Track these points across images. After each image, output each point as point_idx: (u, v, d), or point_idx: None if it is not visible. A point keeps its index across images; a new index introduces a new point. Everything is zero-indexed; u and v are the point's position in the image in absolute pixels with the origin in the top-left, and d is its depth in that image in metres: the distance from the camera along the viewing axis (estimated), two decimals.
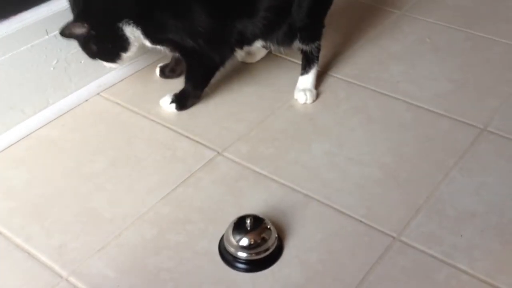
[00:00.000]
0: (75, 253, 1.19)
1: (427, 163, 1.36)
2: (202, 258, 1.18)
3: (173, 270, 1.15)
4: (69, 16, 1.36)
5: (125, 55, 1.43)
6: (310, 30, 1.50)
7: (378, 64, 1.68)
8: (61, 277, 1.15)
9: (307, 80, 1.57)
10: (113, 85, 1.63)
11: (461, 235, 1.19)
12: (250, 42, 1.48)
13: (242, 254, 1.15)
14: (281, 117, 1.51)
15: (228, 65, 1.54)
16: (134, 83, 1.65)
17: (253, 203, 1.28)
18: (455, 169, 1.34)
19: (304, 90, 1.55)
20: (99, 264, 1.17)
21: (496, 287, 1.10)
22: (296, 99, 1.55)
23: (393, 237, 1.20)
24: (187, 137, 1.46)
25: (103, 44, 1.40)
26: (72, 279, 1.15)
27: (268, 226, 1.17)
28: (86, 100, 1.59)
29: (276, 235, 1.18)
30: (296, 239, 1.20)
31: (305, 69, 1.57)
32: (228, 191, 1.31)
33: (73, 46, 1.52)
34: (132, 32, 1.39)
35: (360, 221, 1.23)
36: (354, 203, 1.27)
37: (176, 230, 1.23)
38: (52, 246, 1.21)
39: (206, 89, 1.55)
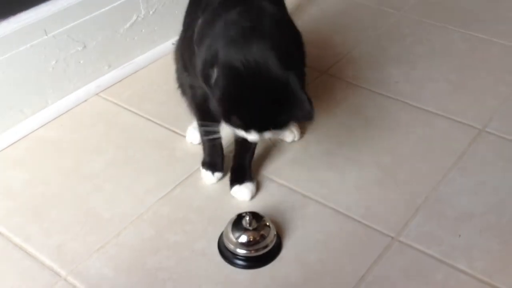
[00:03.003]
0: (74, 252, 1.19)
1: (425, 164, 1.36)
2: (201, 257, 1.18)
3: (171, 269, 1.15)
4: (67, 16, 1.36)
5: None
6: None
7: (377, 65, 1.68)
8: (60, 276, 1.15)
9: None
10: (112, 85, 1.63)
11: (459, 235, 1.20)
12: None
13: (241, 251, 1.15)
14: None
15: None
16: (133, 84, 1.65)
17: (251, 203, 1.28)
18: (454, 169, 1.34)
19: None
20: (98, 263, 1.17)
21: (494, 287, 1.10)
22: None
23: (392, 237, 1.20)
24: (185, 137, 1.46)
25: None
26: (70, 279, 1.15)
27: (267, 224, 1.18)
28: (85, 101, 1.59)
29: (275, 233, 1.18)
30: (295, 239, 1.20)
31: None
32: (227, 191, 1.31)
33: (72, 46, 1.52)
34: None
35: (359, 221, 1.23)
36: (353, 203, 1.27)
37: (174, 230, 1.23)
38: (51, 246, 1.21)
39: None
